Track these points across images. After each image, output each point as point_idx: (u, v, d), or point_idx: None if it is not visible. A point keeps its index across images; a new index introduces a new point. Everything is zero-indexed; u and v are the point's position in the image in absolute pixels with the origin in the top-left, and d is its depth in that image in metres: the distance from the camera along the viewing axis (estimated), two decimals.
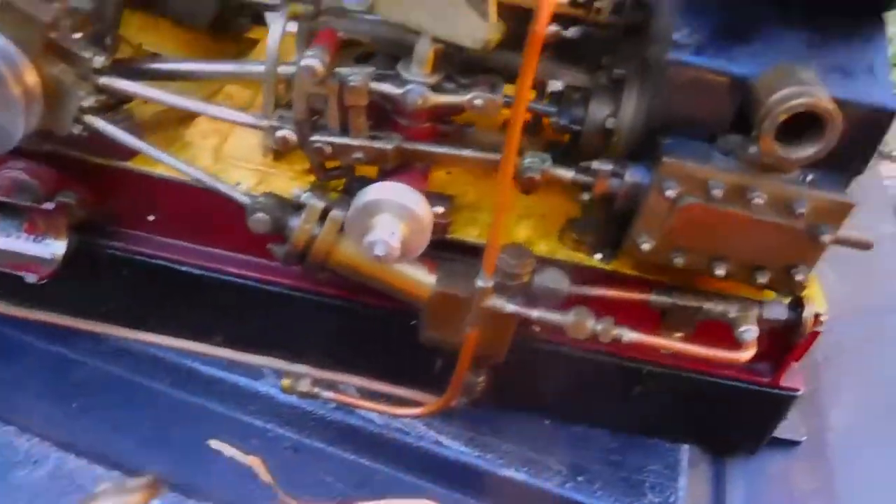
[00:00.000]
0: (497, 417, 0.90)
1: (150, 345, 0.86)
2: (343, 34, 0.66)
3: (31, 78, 0.59)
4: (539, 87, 0.76)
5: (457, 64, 0.65)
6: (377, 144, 0.63)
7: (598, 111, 0.69)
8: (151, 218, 0.79)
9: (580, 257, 0.75)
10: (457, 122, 0.70)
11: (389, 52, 0.66)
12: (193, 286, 0.82)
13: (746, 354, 0.69)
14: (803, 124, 0.57)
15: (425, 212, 0.62)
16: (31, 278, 0.70)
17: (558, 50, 0.84)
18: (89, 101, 0.64)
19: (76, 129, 0.64)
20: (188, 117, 0.80)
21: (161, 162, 0.68)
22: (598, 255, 0.75)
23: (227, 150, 0.77)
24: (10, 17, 0.58)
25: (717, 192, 0.60)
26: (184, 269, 0.81)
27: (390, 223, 0.60)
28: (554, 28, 0.75)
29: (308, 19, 0.66)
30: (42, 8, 0.59)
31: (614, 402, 0.90)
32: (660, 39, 0.63)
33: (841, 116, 0.55)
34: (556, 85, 0.76)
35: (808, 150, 0.57)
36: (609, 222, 0.72)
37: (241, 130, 0.79)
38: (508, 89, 0.84)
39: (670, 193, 0.60)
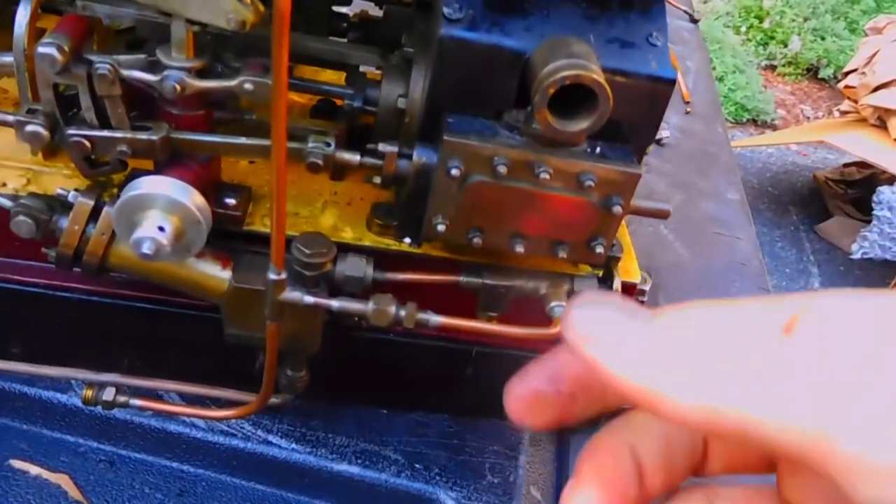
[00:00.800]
0: (331, 412, 0.87)
1: None
2: (107, 21, 0.60)
3: None
4: (351, 68, 0.73)
5: (231, 47, 0.61)
6: (141, 136, 0.58)
7: (391, 91, 0.66)
8: None
9: (388, 242, 0.72)
10: (240, 108, 0.66)
11: (159, 37, 0.61)
12: None
13: (555, 330, 0.67)
14: (580, 97, 0.55)
15: (199, 203, 0.57)
16: None
17: (366, 30, 0.81)
18: None
19: None
20: None
21: None
22: (407, 240, 0.72)
23: None
24: None
25: (503, 169, 0.58)
26: None
27: (158, 218, 0.56)
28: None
29: (65, 4, 0.61)
30: None
31: (448, 387, 0.88)
32: (437, 15, 0.60)
33: (609, 88, 0.53)
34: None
35: (583, 123, 0.55)
36: (411, 206, 0.69)
37: (8, 130, 0.72)
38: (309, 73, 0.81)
39: (455, 172, 0.58)
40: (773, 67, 4.60)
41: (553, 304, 0.69)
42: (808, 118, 4.26)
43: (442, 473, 0.85)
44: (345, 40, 0.79)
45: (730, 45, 4.44)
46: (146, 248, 0.55)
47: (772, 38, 4.68)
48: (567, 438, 0.94)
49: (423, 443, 0.88)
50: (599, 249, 0.64)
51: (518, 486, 0.86)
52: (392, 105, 0.66)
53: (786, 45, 4.62)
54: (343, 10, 0.82)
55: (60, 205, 0.62)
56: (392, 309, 0.64)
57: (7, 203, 0.61)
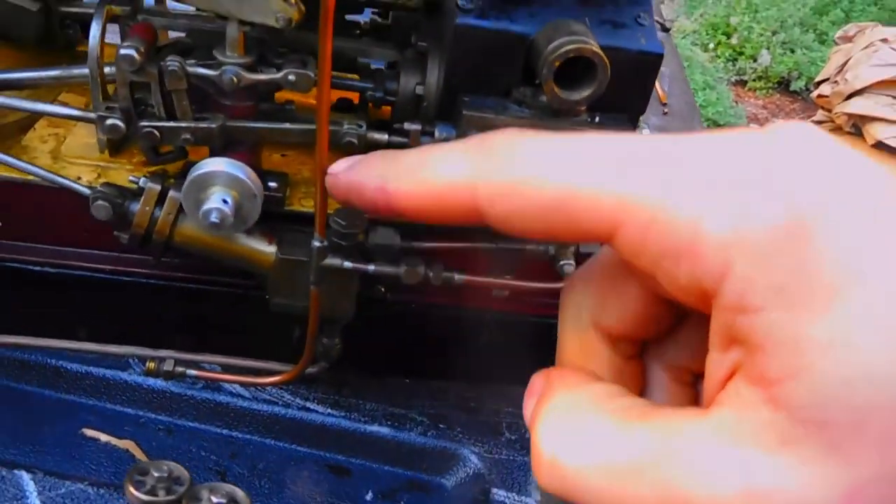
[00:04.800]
0: (359, 381, 0.94)
1: (13, 348, 0.85)
2: (163, 31, 0.68)
3: None
4: (363, 69, 0.80)
5: (269, 48, 0.68)
6: (203, 125, 0.65)
7: (408, 81, 0.73)
8: None
9: None
10: (277, 101, 0.73)
11: (206, 44, 0.69)
12: (50, 285, 0.82)
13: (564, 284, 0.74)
14: (580, 71, 0.62)
15: (254, 179, 0.64)
16: None
17: (375, 35, 0.89)
18: None
19: None
20: (27, 126, 0.80)
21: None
22: None
23: (65, 150, 0.78)
24: None
25: None
26: (37, 269, 0.81)
27: (222, 192, 0.63)
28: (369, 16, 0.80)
29: (127, 19, 0.68)
30: None
31: (466, 354, 0.95)
32: (449, 9, 0.67)
33: (607, 59, 0.61)
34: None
35: (585, 92, 0.63)
36: None
37: (78, 131, 0.79)
38: None
39: None
40: (744, 83, 4.53)
41: (563, 262, 0.76)
42: None
43: (463, 432, 0.91)
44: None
45: (698, 63, 4.39)
46: (214, 218, 0.62)
47: (741, 53, 4.62)
48: None
49: (444, 406, 0.94)
50: None
51: None
52: (410, 92, 0.73)
53: (755, 60, 4.56)
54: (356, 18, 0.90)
55: (130, 193, 0.69)
56: (421, 269, 0.71)
57: (85, 191, 0.68)
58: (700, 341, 0.26)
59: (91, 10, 0.81)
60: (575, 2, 0.67)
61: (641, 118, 0.74)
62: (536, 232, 0.27)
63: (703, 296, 0.24)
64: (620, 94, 0.68)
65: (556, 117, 0.66)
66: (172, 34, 0.76)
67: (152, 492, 0.57)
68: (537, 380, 0.31)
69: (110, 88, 0.68)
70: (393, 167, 0.30)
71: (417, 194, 0.29)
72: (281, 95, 0.73)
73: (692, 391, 0.31)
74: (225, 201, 0.62)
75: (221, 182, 0.63)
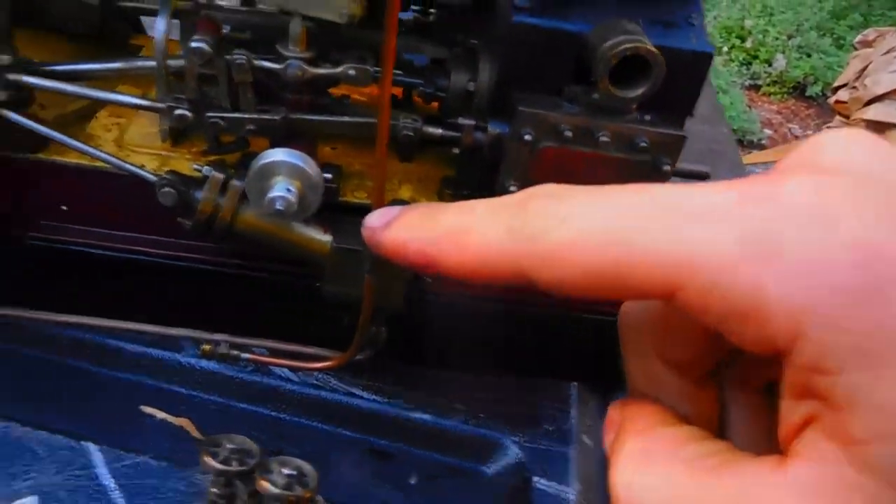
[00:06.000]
0: (402, 370, 0.94)
1: (75, 327, 0.87)
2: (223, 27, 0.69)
3: None
4: (408, 66, 0.81)
5: (325, 43, 0.69)
6: (266, 116, 0.66)
7: (459, 77, 0.74)
8: (65, 208, 0.80)
9: None
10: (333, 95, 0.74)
11: (263, 39, 0.70)
12: (111, 269, 0.83)
13: None
14: (634, 70, 0.63)
15: (315, 170, 0.65)
16: None
17: (419, 32, 0.89)
18: (1, 96, 0.65)
19: None
20: (88, 115, 0.82)
21: (72, 148, 0.70)
22: None
23: (128, 139, 0.79)
24: None
25: (568, 134, 0.66)
26: (99, 252, 0.82)
27: (286, 181, 0.64)
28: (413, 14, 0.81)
29: (189, 14, 0.69)
30: None
31: (506, 348, 0.95)
32: (502, 8, 0.68)
33: (662, 58, 0.61)
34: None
35: (639, 90, 0.63)
36: (479, 175, 0.77)
37: (139, 121, 0.81)
38: None
39: (527, 138, 0.66)
40: (758, 87, 4.38)
41: None
42: (797, 137, 4.03)
43: (504, 422, 0.92)
44: None
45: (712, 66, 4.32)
46: (279, 205, 0.63)
47: (755, 57, 4.47)
48: (609, 396, 1.00)
49: (484, 397, 0.95)
50: None
51: (572, 434, 0.93)
52: (461, 89, 0.74)
53: (770, 64, 4.43)
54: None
55: (194, 181, 0.70)
56: None
57: (152, 178, 0.69)
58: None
59: (145, 6, 0.83)
60: (627, 1, 0.67)
61: None
62: (588, 297, 0.25)
63: (773, 351, 0.23)
64: (671, 92, 0.68)
65: (608, 115, 0.66)
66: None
67: (226, 462, 0.58)
68: (614, 413, 0.29)
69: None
70: (433, 230, 0.28)
71: (461, 260, 0.27)
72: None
73: (766, 401, 0.29)
74: (289, 190, 0.63)
75: (285, 172, 0.64)
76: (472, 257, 0.27)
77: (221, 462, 0.58)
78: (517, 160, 0.68)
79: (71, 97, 0.76)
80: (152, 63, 0.70)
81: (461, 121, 0.69)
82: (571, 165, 0.68)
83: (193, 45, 0.62)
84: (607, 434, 0.29)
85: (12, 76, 0.66)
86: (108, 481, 0.72)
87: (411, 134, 0.68)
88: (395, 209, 0.31)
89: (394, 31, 0.54)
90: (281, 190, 0.63)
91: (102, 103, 0.81)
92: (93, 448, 0.75)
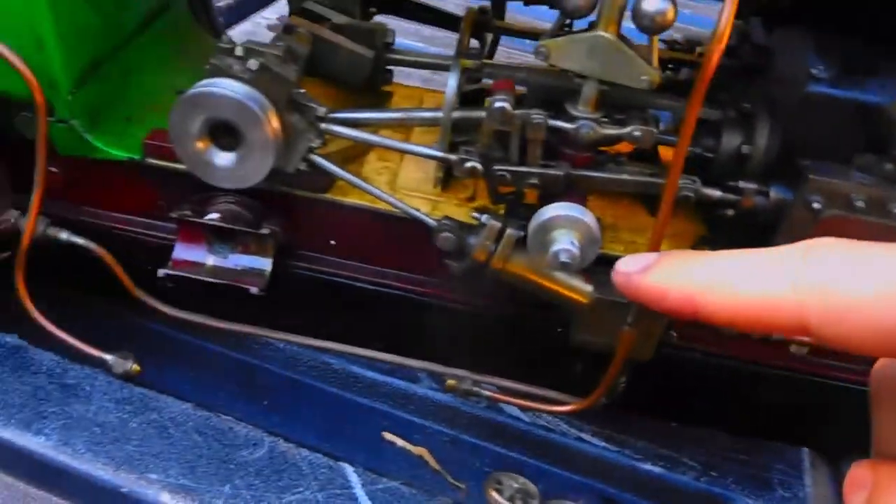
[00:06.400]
0: (627, 419, 0.94)
1: (320, 351, 0.92)
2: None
3: (276, 124, 0.67)
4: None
5: (607, 105, 0.71)
6: (551, 172, 0.68)
7: (731, 140, 0.74)
8: (333, 242, 0.86)
9: None
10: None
11: (541, 96, 0.72)
12: (361, 300, 0.88)
13: None
14: None
15: (595, 224, 0.67)
16: (254, 290, 0.77)
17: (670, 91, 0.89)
18: (316, 143, 0.71)
19: (302, 166, 0.71)
20: (347, 159, 0.87)
21: (366, 192, 0.75)
22: None
23: (400, 183, 0.83)
24: (265, 77, 0.68)
25: (861, 204, 0.64)
26: (356, 285, 0.87)
27: (569, 235, 0.65)
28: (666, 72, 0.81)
29: (474, 72, 0.73)
30: (289, 70, 0.68)
31: (738, 407, 0.93)
32: (790, 76, 0.67)
33: None
34: None
35: None
36: (734, 236, 0.76)
37: (407, 166, 0.85)
38: None
39: (817, 206, 0.64)
40: None
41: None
42: None
43: (737, 482, 0.90)
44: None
45: None
46: (564, 258, 0.64)
47: None
48: (840, 464, 0.96)
49: (713, 454, 0.93)
50: None
51: (808, 502, 0.89)
52: (732, 151, 0.73)
53: None
54: None
55: (468, 227, 0.73)
56: None
57: (432, 222, 0.72)
58: None
59: (409, 58, 0.88)
60: None
61: None
62: (877, 353, 0.24)
63: None
64: None
65: None
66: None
67: (511, 500, 0.60)
68: (861, 472, 0.28)
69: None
70: (703, 276, 0.28)
71: (733, 308, 0.26)
72: None
73: None
74: (573, 243, 0.65)
75: (569, 225, 0.66)
76: (746, 305, 0.26)
77: (507, 499, 0.60)
78: (799, 227, 0.67)
79: (339, 140, 0.82)
80: (434, 114, 0.74)
81: (742, 184, 0.69)
82: (858, 235, 0.66)
83: (496, 104, 0.65)
84: (853, 493, 0.27)
85: (324, 126, 0.71)
86: (367, 503, 0.76)
87: (690, 195, 0.68)
88: (651, 255, 0.30)
89: (699, 98, 0.55)
90: (565, 243, 0.65)
91: (364, 148, 0.86)
92: (349, 469, 0.79)
